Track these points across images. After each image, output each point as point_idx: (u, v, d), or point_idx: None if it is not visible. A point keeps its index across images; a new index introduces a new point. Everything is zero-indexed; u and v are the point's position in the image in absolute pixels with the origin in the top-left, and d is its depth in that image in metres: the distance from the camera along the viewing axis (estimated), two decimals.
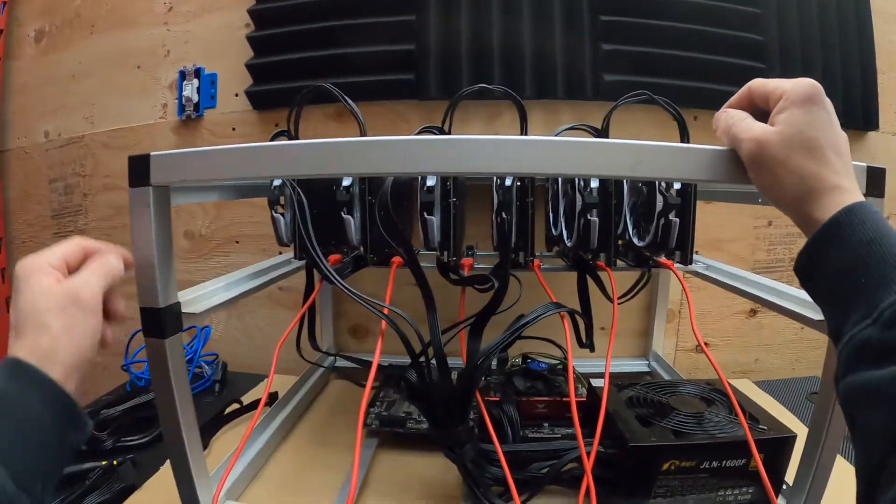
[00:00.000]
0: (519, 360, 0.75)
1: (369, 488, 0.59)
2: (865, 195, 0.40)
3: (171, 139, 0.92)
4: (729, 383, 0.62)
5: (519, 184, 0.60)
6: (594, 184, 0.59)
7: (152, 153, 0.43)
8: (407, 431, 0.65)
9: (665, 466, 0.49)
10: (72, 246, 0.39)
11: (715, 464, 0.50)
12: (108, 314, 0.39)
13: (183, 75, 0.90)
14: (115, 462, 0.59)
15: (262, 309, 0.90)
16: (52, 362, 0.33)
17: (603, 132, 0.65)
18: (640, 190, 0.64)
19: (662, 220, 0.60)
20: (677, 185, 0.60)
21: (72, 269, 0.38)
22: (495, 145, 0.40)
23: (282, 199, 0.61)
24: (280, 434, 0.68)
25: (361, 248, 0.62)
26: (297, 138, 0.57)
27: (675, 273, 0.61)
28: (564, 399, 0.64)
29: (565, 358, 0.70)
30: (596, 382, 0.64)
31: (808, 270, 0.35)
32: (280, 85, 0.87)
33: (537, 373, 0.71)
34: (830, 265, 0.33)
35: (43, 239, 0.99)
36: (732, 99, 0.41)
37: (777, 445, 0.51)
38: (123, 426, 0.67)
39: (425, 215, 0.57)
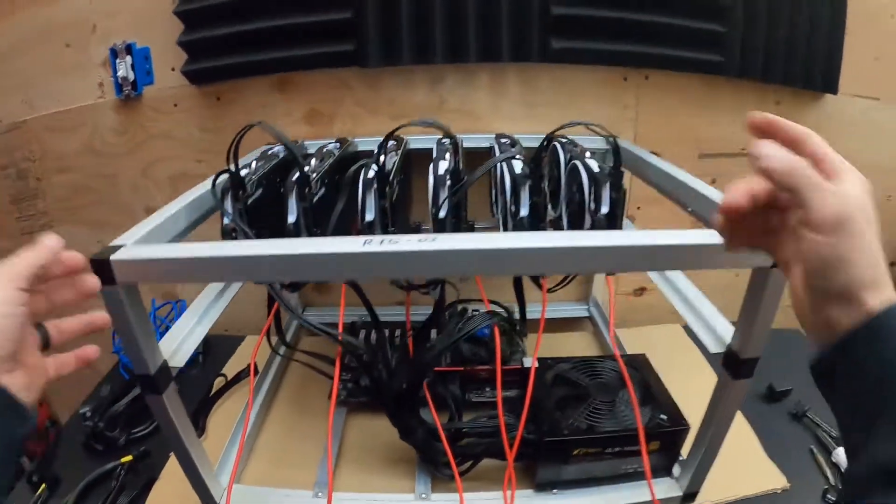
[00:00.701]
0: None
1: (344, 453, 0.74)
2: (772, 265, 0.47)
3: (113, 119, 0.91)
4: (637, 359, 0.76)
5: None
6: (518, 166, 0.64)
7: (112, 258, 0.46)
8: (369, 401, 0.77)
9: (575, 452, 0.63)
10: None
11: (617, 449, 0.64)
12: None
13: (115, 53, 0.86)
14: (131, 457, 0.71)
15: None
16: None
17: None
18: (573, 193, 0.70)
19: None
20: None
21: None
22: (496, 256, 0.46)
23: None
24: (264, 408, 0.80)
25: None
26: (239, 173, 0.60)
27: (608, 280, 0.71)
28: (508, 368, 0.77)
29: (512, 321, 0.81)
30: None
31: (834, 365, 0.31)
32: (217, 62, 0.84)
33: (482, 339, 0.81)
34: (868, 365, 0.29)
35: (6, 224, 1.01)
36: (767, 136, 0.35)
37: (673, 435, 0.65)
38: (131, 418, 0.78)
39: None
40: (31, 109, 0.94)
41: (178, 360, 0.56)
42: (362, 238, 0.47)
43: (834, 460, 0.72)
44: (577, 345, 0.98)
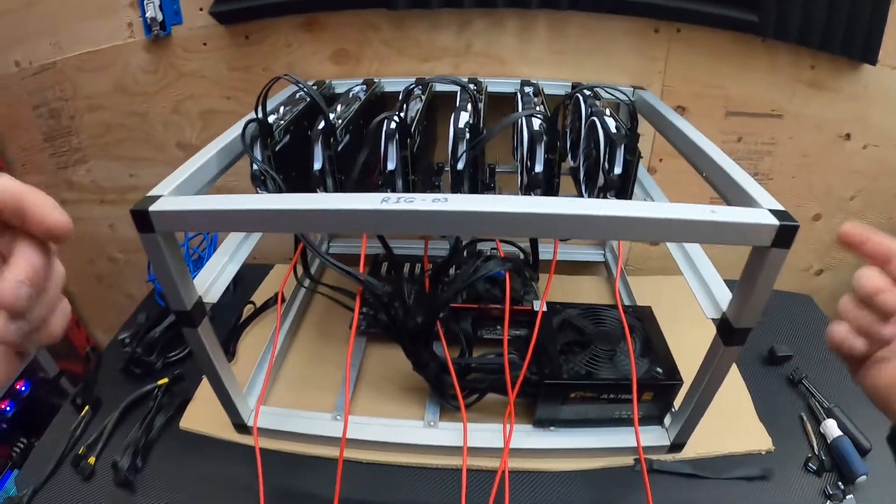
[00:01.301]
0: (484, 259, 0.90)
1: (362, 380, 0.81)
2: (771, 246, 0.49)
3: (143, 58, 0.94)
4: (642, 311, 0.80)
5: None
6: (536, 123, 0.66)
7: (150, 209, 0.50)
8: (393, 336, 0.83)
9: (573, 395, 0.70)
10: None
11: (612, 395, 0.70)
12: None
13: None
14: (167, 380, 0.79)
15: None
16: None
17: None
18: (590, 149, 0.73)
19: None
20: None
21: None
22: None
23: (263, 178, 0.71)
24: (290, 336, 0.87)
25: None
26: (267, 121, 0.64)
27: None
28: (516, 308, 0.80)
29: (522, 262, 0.82)
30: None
31: None
32: (245, 2, 0.85)
33: (497, 279, 0.84)
34: None
35: (41, 161, 1.07)
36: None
37: (666, 388, 0.70)
38: (166, 344, 0.85)
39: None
40: (60, 51, 0.97)
41: (212, 296, 0.63)
42: (380, 196, 0.51)
43: (822, 431, 0.76)
44: (589, 289, 1.02)
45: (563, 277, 1.03)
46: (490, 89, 0.82)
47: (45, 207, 0.28)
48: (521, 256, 0.82)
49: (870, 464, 0.71)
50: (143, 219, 0.51)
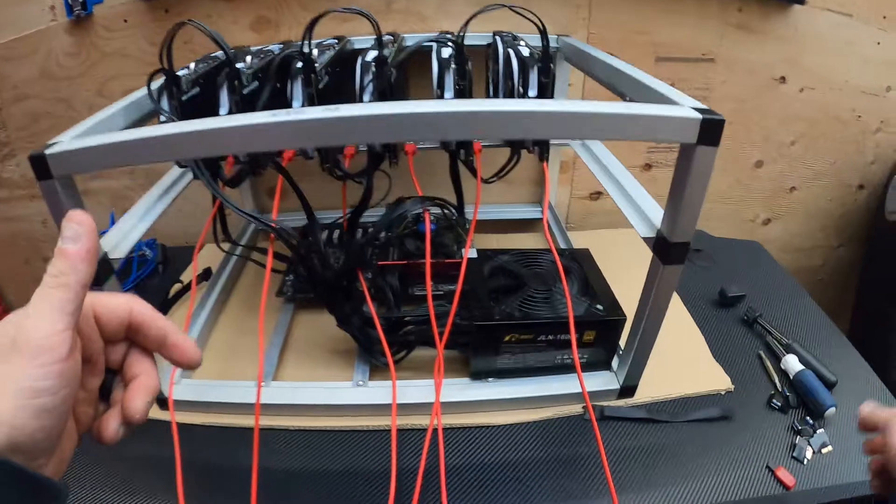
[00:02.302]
0: (412, 220, 0.82)
1: (290, 347, 0.75)
2: (697, 143, 0.46)
3: (66, 41, 0.89)
4: (579, 253, 0.76)
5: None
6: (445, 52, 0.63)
7: (47, 152, 0.47)
8: (318, 294, 0.76)
9: (507, 338, 0.63)
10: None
11: (551, 337, 0.64)
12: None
13: None
14: None
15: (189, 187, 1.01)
16: None
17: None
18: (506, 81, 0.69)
19: None
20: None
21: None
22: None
23: None
24: (217, 308, 0.81)
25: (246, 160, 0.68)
26: (173, 71, 0.61)
27: (544, 166, 0.70)
28: (444, 261, 0.76)
29: (453, 216, 0.76)
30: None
31: None
32: None
33: (425, 236, 0.82)
34: None
35: None
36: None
37: (608, 325, 0.64)
38: None
39: None
40: None
41: (119, 252, 0.57)
42: (271, 112, 0.47)
43: (782, 367, 0.71)
44: (527, 243, 0.97)
45: (500, 235, 0.98)
46: (408, 43, 0.78)
47: (187, 344, 0.31)
48: (453, 211, 0.77)
49: (836, 397, 0.66)
50: (40, 164, 0.48)
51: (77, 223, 0.28)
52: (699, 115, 0.46)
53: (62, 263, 0.27)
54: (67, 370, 0.25)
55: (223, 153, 0.51)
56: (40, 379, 0.24)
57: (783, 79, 0.96)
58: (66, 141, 0.50)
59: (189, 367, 0.32)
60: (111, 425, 0.29)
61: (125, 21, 0.88)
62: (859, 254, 1.17)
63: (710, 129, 0.46)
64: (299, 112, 0.47)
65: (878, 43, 0.96)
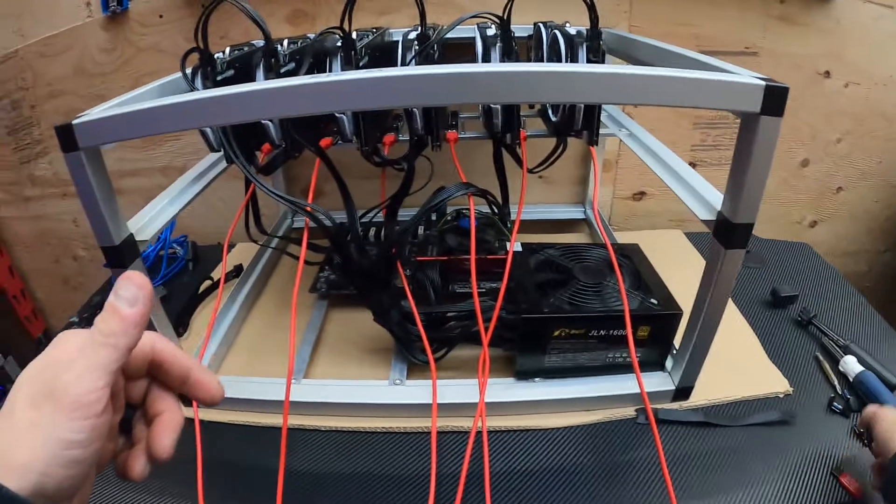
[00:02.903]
0: (453, 216, 0.78)
1: (323, 343, 0.69)
2: (761, 113, 0.42)
3: (101, 37, 0.87)
4: (629, 248, 0.70)
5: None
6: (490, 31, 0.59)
7: (74, 122, 0.44)
8: (351, 293, 0.72)
9: (556, 333, 0.57)
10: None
11: (603, 332, 0.57)
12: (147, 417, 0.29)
13: None
14: None
15: (221, 181, 0.97)
16: (6, 465, 0.23)
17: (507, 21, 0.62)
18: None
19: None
20: None
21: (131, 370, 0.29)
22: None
23: None
24: (248, 304, 0.76)
25: (283, 145, 0.64)
26: (207, 49, 0.57)
27: (591, 151, 0.65)
28: (487, 257, 0.69)
29: (495, 214, 0.71)
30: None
31: None
32: None
33: (467, 230, 0.74)
34: None
35: (4, 156, 0.98)
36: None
37: (664, 320, 0.58)
38: None
39: (335, 113, 0.57)
40: (22, 39, 0.89)
41: (146, 233, 0.53)
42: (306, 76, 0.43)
43: (841, 369, 0.64)
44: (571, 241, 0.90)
45: (543, 235, 0.92)
46: (449, 35, 0.74)
47: (210, 380, 0.30)
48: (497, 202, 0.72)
49: None
50: (67, 135, 0.44)
51: (137, 286, 0.27)
52: (762, 82, 0.42)
53: (116, 324, 0.26)
54: (101, 425, 0.25)
55: (255, 118, 0.46)
56: (75, 432, 0.24)
57: (827, 73, 0.90)
58: (95, 113, 0.46)
59: (211, 404, 0.30)
60: (138, 464, 0.28)
61: (160, 17, 0.86)
62: None
63: (775, 98, 0.42)
64: (334, 74, 0.42)
65: None
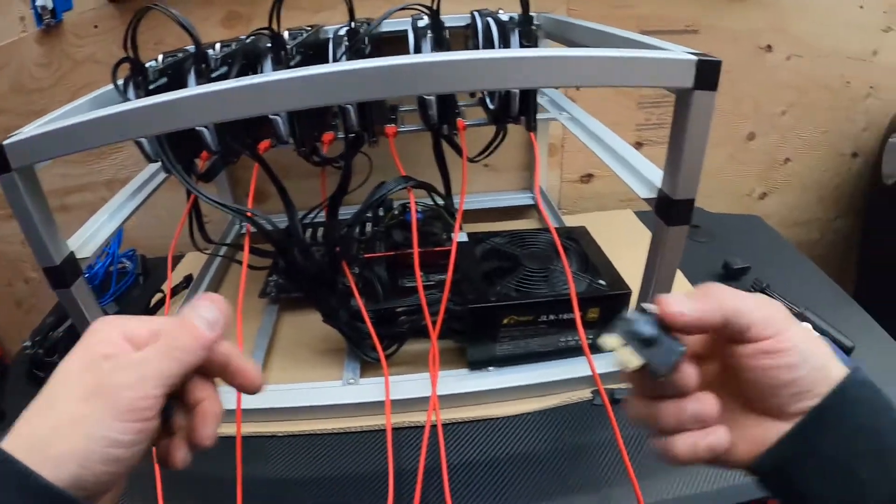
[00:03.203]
0: (399, 210, 0.76)
1: (276, 347, 0.68)
2: (694, 88, 0.42)
3: (37, 51, 0.84)
4: (576, 231, 0.70)
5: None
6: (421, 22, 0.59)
7: (5, 142, 0.43)
8: (301, 296, 0.70)
9: (505, 321, 0.57)
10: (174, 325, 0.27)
11: (552, 317, 0.58)
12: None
13: None
14: None
15: (165, 191, 0.95)
16: (43, 454, 0.23)
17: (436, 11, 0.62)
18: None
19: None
20: None
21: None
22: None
23: None
24: None
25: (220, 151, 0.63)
26: (138, 59, 0.56)
27: (531, 137, 0.65)
28: (433, 249, 0.71)
29: (438, 205, 0.69)
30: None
31: (799, 455, 0.27)
32: None
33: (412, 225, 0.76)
34: (847, 439, 0.26)
35: None
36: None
37: (613, 300, 0.58)
38: (71, 342, 0.74)
39: (269, 115, 0.57)
40: None
41: (86, 251, 0.52)
42: (234, 79, 0.42)
43: None
44: (519, 228, 0.91)
45: (491, 223, 0.93)
46: (383, 28, 0.73)
47: (251, 368, 0.30)
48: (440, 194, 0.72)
49: (854, 362, 0.60)
50: None
51: (220, 311, 0.28)
52: (694, 57, 0.42)
53: (188, 341, 0.26)
54: (149, 429, 0.25)
55: (186, 125, 0.45)
56: (122, 433, 0.24)
57: (769, 47, 0.91)
58: (25, 132, 0.45)
59: (252, 392, 0.30)
60: (180, 453, 0.28)
61: (95, 27, 0.84)
62: (855, 225, 1.12)
63: (707, 72, 0.42)
64: (263, 76, 0.42)
65: (861, 7, 0.92)
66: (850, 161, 1.06)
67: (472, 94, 0.71)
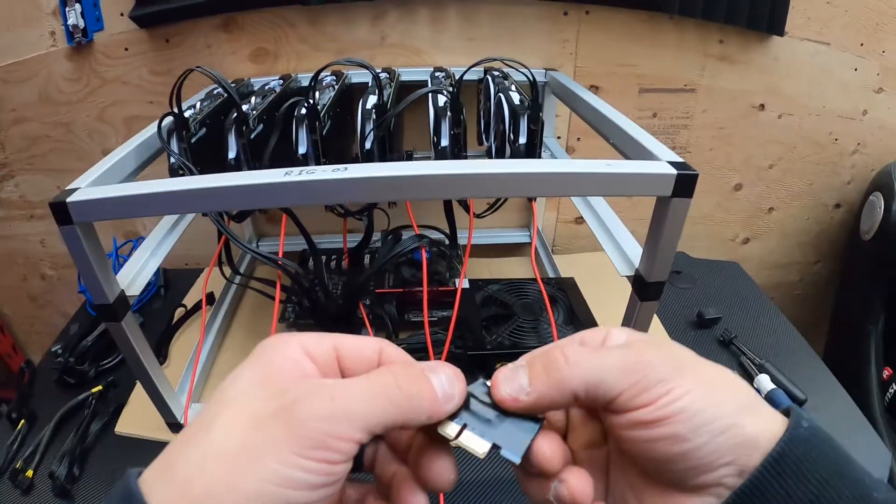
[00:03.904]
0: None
1: None
2: (672, 196, 0.53)
3: (66, 66, 0.94)
4: (565, 282, 0.84)
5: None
6: (441, 100, 0.70)
7: (68, 200, 0.51)
8: (319, 322, 0.82)
9: (498, 364, 0.73)
10: (365, 345, 0.26)
11: None
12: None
13: (64, 1, 0.88)
14: (101, 387, 0.79)
15: None
16: (186, 498, 0.20)
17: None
18: (498, 125, 0.76)
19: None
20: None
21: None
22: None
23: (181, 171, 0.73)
24: (221, 333, 0.88)
25: None
26: (182, 115, 0.67)
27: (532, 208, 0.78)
28: (440, 288, 0.84)
29: (447, 245, 0.82)
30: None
31: None
32: (163, 5, 0.88)
33: (420, 263, 0.86)
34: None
35: None
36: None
37: None
38: (99, 352, 0.85)
39: None
40: None
41: (135, 288, 0.63)
42: (284, 170, 0.53)
43: (755, 386, 0.79)
44: (515, 269, 1.04)
45: (490, 259, 1.06)
46: (405, 78, 0.85)
47: (447, 462, 0.26)
48: (447, 242, 0.85)
49: (792, 407, 0.74)
50: (61, 210, 0.52)
51: (460, 392, 0.26)
52: (674, 171, 0.52)
53: (421, 401, 0.24)
54: (336, 473, 0.22)
55: (235, 208, 0.57)
56: (303, 471, 0.20)
57: (762, 106, 1.04)
58: (84, 188, 0.55)
59: (440, 489, 0.26)
60: None
61: (126, 49, 0.94)
62: (836, 270, 1.27)
63: (685, 183, 0.52)
64: (309, 172, 0.53)
65: (856, 69, 1.05)
66: (832, 211, 1.20)
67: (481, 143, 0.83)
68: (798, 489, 0.22)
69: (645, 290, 0.61)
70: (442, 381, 0.25)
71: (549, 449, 0.25)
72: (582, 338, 0.28)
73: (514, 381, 0.25)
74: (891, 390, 1.01)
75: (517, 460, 0.24)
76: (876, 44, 1.03)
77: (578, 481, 0.26)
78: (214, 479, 0.20)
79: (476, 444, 0.24)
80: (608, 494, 0.28)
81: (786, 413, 0.25)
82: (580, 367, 0.24)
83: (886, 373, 1.04)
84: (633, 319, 0.64)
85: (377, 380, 0.24)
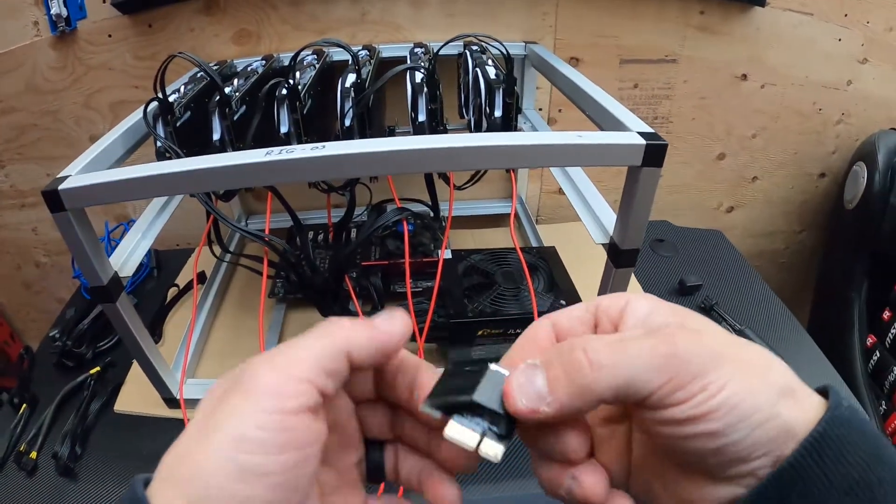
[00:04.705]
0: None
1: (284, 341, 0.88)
2: (642, 165, 0.56)
3: (51, 55, 0.98)
4: (546, 251, 0.88)
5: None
6: (418, 77, 0.73)
7: (60, 188, 0.55)
8: (307, 296, 0.87)
9: (480, 332, 0.76)
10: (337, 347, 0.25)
11: (520, 330, 0.77)
12: None
13: None
14: (99, 368, 0.84)
15: None
16: (171, 481, 0.21)
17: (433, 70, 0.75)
18: (475, 99, 0.80)
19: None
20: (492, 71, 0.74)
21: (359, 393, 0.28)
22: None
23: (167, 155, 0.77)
24: (213, 312, 0.93)
25: None
26: (167, 100, 0.71)
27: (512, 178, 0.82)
28: (423, 259, 0.90)
29: (431, 217, 0.85)
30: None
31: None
32: None
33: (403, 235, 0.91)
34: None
35: None
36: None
37: None
38: (96, 334, 0.90)
39: None
40: None
41: (128, 269, 0.67)
42: (264, 150, 0.57)
43: None
44: (500, 238, 1.09)
45: (476, 231, 1.11)
46: (385, 55, 0.89)
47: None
48: (431, 214, 0.89)
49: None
50: (53, 198, 0.56)
51: (402, 319, 0.27)
52: (643, 141, 0.55)
53: (362, 330, 0.25)
54: (297, 427, 0.22)
55: (220, 188, 0.61)
56: (258, 428, 0.21)
57: (745, 76, 1.08)
58: (75, 175, 0.59)
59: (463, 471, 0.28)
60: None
61: (109, 36, 0.98)
62: (820, 239, 1.32)
63: (654, 153, 0.55)
64: (289, 151, 0.57)
65: (839, 39, 1.08)
66: (817, 180, 1.24)
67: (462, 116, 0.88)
68: (838, 474, 0.21)
69: (619, 257, 0.65)
70: (382, 316, 0.26)
71: (576, 441, 0.25)
72: (597, 308, 0.28)
73: (530, 387, 0.24)
74: (874, 357, 1.06)
75: (496, 456, 0.24)
76: (860, 14, 1.06)
77: (593, 479, 0.26)
78: (189, 463, 0.21)
79: (491, 449, 0.24)
80: (630, 478, 0.28)
81: (822, 392, 0.25)
82: (607, 371, 0.23)
83: (871, 340, 1.09)
84: (609, 286, 0.69)
85: (321, 330, 0.25)
